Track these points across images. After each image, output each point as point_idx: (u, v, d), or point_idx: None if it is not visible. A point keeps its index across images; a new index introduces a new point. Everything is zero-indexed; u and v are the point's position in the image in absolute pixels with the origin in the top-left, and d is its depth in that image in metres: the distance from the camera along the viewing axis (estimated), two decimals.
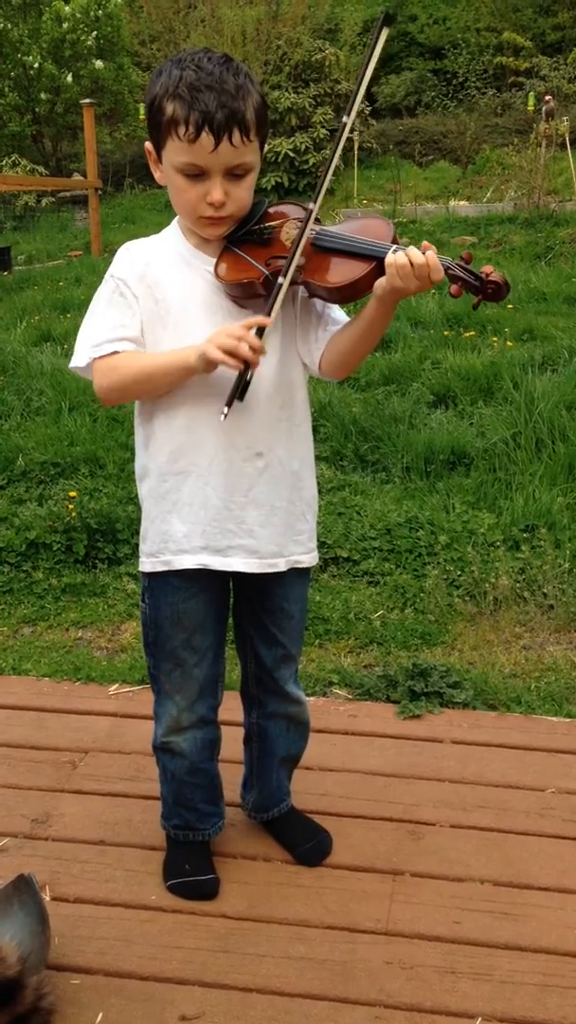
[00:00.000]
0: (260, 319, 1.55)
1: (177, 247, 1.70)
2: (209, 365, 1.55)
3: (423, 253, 1.51)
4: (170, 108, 1.54)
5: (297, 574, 1.81)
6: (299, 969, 1.71)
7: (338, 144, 1.56)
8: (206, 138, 1.52)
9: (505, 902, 1.86)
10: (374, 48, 1.50)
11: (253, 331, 1.53)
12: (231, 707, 1.98)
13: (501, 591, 3.07)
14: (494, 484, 3.81)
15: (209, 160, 1.55)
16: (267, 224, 1.66)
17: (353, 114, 1.54)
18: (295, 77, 12.94)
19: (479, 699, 2.57)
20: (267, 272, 1.60)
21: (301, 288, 1.69)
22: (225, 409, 1.58)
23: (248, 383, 1.57)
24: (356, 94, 1.54)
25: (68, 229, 13.57)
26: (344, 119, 1.54)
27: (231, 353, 1.52)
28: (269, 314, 1.57)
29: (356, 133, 12.28)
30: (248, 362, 1.53)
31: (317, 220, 1.63)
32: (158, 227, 1.78)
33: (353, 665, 2.79)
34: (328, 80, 13.09)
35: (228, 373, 1.58)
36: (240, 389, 1.57)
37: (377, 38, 1.50)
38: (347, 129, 1.54)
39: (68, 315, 7.23)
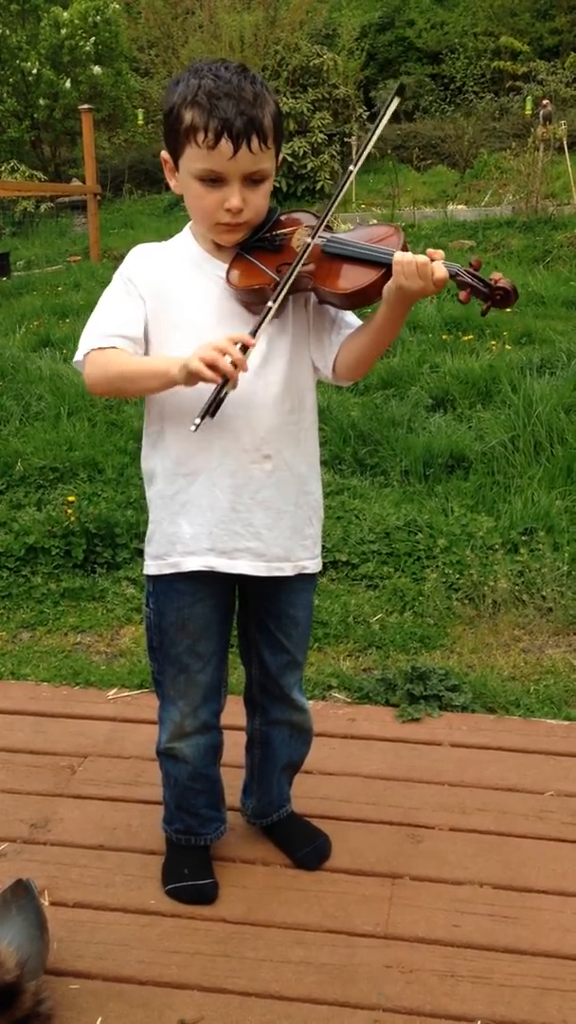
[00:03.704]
0: (245, 337, 1.54)
1: (190, 252, 1.71)
2: (190, 378, 1.52)
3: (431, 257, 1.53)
4: (189, 116, 1.55)
5: (303, 580, 1.81)
6: (298, 973, 1.71)
7: (345, 182, 1.67)
8: (225, 145, 1.54)
9: (504, 905, 1.86)
10: (384, 114, 1.61)
11: (238, 346, 1.52)
12: (232, 711, 1.97)
13: (500, 594, 3.07)
14: (492, 487, 3.81)
15: (227, 167, 1.57)
16: (279, 231, 1.68)
17: (358, 165, 1.67)
18: (293, 82, 12.97)
19: (478, 702, 2.57)
20: (278, 279, 1.61)
21: (312, 294, 1.69)
22: (197, 420, 1.54)
23: (222, 400, 1.54)
24: (365, 146, 1.63)
25: (67, 234, 13.58)
26: (350, 168, 1.64)
27: (211, 365, 1.49)
28: (254, 334, 1.56)
29: (355, 138, 12.31)
30: (227, 377, 1.51)
31: (328, 227, 1.64)
32: (157, 232, 1.79)
33: (352, 669, 2.79)
34: (326, 85, 13.12)
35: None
36: (213, 405, 1.54)
37: (388, 105, 1.60)
38: (351, 176, 1.67)
39: (67, 320, 7.23)
